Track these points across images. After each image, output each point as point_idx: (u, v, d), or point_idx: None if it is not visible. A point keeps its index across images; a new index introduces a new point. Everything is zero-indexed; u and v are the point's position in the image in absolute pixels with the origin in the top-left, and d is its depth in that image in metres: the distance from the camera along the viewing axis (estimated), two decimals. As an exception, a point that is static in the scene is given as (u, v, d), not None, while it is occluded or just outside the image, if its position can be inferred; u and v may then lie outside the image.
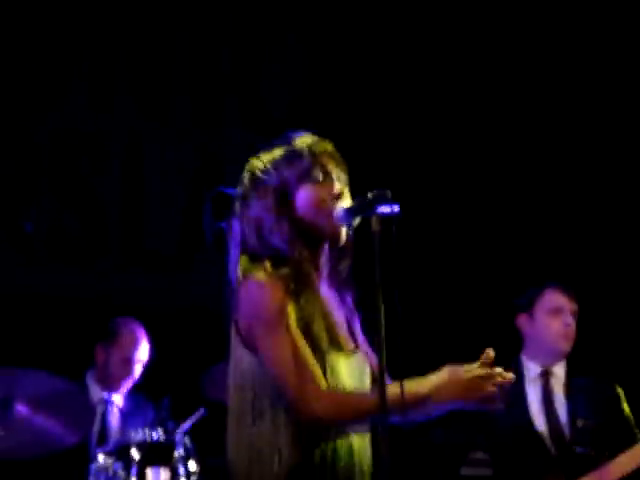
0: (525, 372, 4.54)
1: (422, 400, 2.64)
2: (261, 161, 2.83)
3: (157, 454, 4.42)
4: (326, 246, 2.82)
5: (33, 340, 5.51)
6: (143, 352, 5.09)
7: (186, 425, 4.44)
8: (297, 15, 6.48)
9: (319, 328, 2.70)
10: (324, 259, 2.83)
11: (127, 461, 4.39)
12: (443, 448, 4.53)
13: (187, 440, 4.45)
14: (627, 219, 6.10)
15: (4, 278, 5.78)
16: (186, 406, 4.72)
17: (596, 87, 6.21)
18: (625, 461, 4.28)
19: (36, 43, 5.98)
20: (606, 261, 6.08)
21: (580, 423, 4.45)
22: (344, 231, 2.80)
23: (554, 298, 4.56)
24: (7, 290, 5.72)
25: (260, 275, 2.68)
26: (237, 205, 2.82)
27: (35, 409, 4.44)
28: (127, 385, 5.07)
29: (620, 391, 4.57)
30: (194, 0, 6.35)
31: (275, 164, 2.80)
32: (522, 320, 4.57)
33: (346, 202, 2.80)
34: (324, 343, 2.70)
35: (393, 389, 2.58)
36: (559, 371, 4.56)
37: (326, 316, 2.75)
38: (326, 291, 2.82)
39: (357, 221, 2.78)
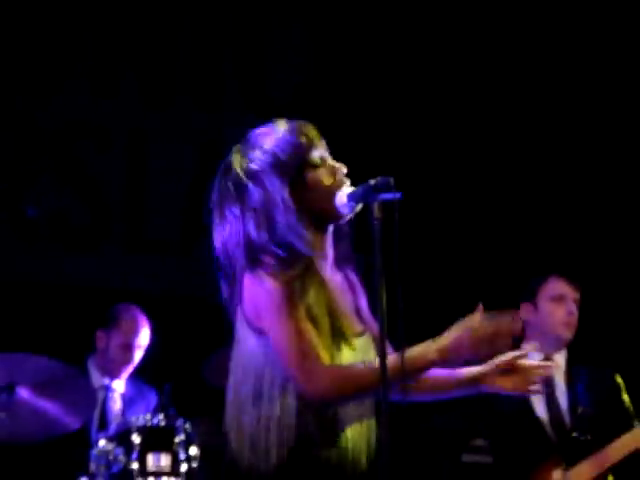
0: (526, 360, 4.55)
1: (425, 362, 2.66)
2: (250, 154, 2.79)
3: (158, 439, 4.44)
4: (330, 228, 2.83)
5: (35, 326, 5.52)
6: (144, 338, 5.10)
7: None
8: (301, 1, 6.47)
9: (323, 318, 2.71)
10: (329, 242, 2.83)
11: (128, 446, 4.41)
12: (444, 435, 4.54)
13: (188, 425, 4.47)
14: (627, 210, 6.10)
15: (6, 264, 5.79)
16: (187, 392, 4.74)
17: (600, 77, 6.20)
18: (621, 445, 4.34)
19: (40, 29, 5.98)
20: (607, 250, 6.08)
21: (580, 411, 4.48)
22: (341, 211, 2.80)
23: (558, 286, 4.58)
24: (9, 276, 5.73)
25: (265, 262, 2.69)
26: (230, 200, 2.77)
27: (37, 394, 4.46)
28: (127, 371, 5.08)
29: (620, 381, 4.59)
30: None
31: (270, 155, 2.78)
32: (525, 309, 4.59)
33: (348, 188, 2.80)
34: (327, 333, 2.71)
35: (394, 357, 2.61)
36: (560, 360, 4.58)
37: (331, 303, 2.75)
38: (331, 273, 2.83)
39: (359, 207, 2.78)
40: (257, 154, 2.78)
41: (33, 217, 4.96)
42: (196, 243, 5.96)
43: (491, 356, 2.70)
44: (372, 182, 2.69)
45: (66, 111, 6.04)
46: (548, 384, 4.52)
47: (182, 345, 5.54)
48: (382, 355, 2.57)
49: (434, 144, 6.24)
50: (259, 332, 2.71)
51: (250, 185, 2.75)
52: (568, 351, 4.59)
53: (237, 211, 2.75)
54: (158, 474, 4.40)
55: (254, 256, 2.71)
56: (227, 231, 2.76)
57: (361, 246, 2.85)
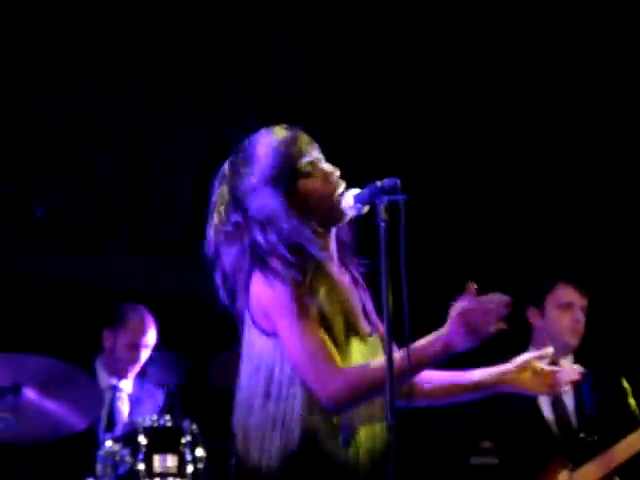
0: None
1: (431, 354, 2.64)
2: (242, 168, 2.80)
3: (164, 440, 4.44)
4: (334, 230, 2.83)
5: (42, 326, 5.52)
6: (151, 337, 5.09)
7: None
8: (305, 2, 6.46)
9: (336, 317, 2.72)
10: (334, 244, 2.84)
11: (134, 447, 4.41)
12: (451, 437, 4.54)
13: (194, 426, 4.47)
14: (633, 214, 6.09)
15: (12, 264, 5.79)
16: (193, 393, 4.74)
17: (606, 74, 6.20)
18: (627, 445, 4.35)
19: (45, 29, 5.98)
20: (612, 254, 6.07)
21: (586, 412, 4.48)
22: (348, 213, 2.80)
23: (566, 293, 4.59)
24: (15, 276, 5.73)
25: (273, 265, 2.69)
26: (230, 209, 2.79)
27: (43, 395, 4.46)
28: (134, 370, 5.08)
29: (627, 385, 4.60)
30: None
31: (261, 169, 2.78)
32: (532, 313, 4.60)
33: (354, 190, 2.80)
34: (340, 331, 2.71)
35: (401, 354, 2.61)
36: (566, 364, 4.58)
37: (343, 303, 2.76)
38: (339, 273, 2.83)
39: (366, 209, 2.78)
40: (248, 169, 2.80)
41: (40, 217, 4.96)
42: (201, 243, 5.96)
43: (490, 335, 2.68)
44: (379, 183, 2.70)
45: (70, 111, 6.04)
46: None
47: (187, 345, 5.54)
48: (389, 356, 2.57)
49: (439, 145, 6.24)
50: (267, 334, 2.71)
51: (247, 198, 2.78)
52: (575, 356, 4.60)
53: (239, 219, 2.78)
54: (164, 475, 4.40)
55: (261, 260, 2.71)
56: (231, 241, 2.78)
57: (367, 248, 2.85)
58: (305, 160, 2.81)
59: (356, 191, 2.78)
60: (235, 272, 2.76)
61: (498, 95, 6.27)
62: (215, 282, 2.81)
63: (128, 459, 4.40)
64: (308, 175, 2.80)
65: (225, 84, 6.35)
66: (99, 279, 5.92)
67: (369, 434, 2.74)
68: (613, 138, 6.19)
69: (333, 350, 2.67)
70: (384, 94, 6.27)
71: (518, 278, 4.91)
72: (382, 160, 5.64)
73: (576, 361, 4.59)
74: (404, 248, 2.60)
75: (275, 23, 6.42)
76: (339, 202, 2.78)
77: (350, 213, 2.79)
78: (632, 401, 4.57)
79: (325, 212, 2.79)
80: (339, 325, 2.71)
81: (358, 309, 2.82)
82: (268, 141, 2.82)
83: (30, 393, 4.45)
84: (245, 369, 2.76)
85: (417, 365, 2.63)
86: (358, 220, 2.82)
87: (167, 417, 4.49)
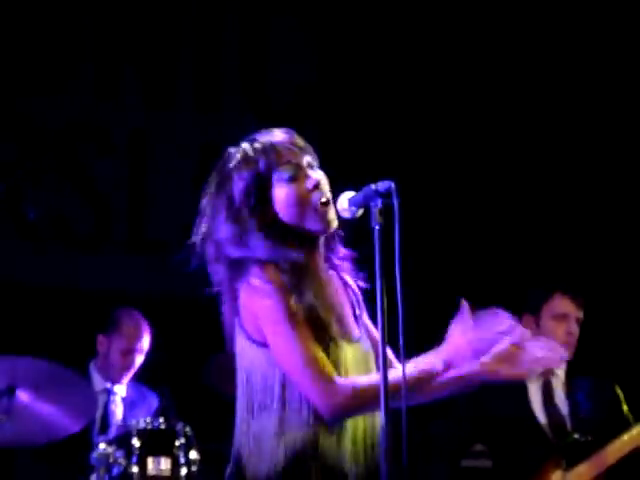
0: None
1: (433, 375, 2.65)
2: (221, 182, 2.79)
3: (158, 443, 4.42)
4: (322, 237, 2.80)
5: (37, 329, 5.51)
6: (145, 342, 5.08)
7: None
8: (303, 2, 6.46)
9: (327, 319, 2.70)
10: (322, 249, 2.81)
11: (128, 450, 4.40)
12: (443, 440, 4.54)
13: (188, 429, 4.46)
14: (629, 220, 6.09)
15: (7, 266, 5.78)
16: (187, 395, 4.72)
17: (605, 76, 6.19)
18: (620, 445, 4.37)
19: (42, 30, 5.98)
20: (607, 261, 6.07)
21: (582, 417, 4.49)
22: (334, 217, 2.76)
23: (562, 304, 4.60)
24: (10, 278, 5.71)
25: (261, 274, 2.67)
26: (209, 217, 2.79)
27: (38, 397, 4.45)
28: (128, 375, 5.07)
29: (620, 392, 4.62)
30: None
31: (238, 177, 2.76)
32: (527, 320, 4.60)
33: (347, 193, 2.77)
34: (332, 333, 2.70)
35: (409, 368, 2.60)
36: (559, 372, 4.62)
37: (333, 307, 2.74)
38: (328, 278, 2.81)
39: (360, 212, 2.76)
40: (222, 185, 2.78)
41: (34, 220, 4.95)
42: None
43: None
44: (373, 186, 2.67)
45: (67, 112, 6.04)
46: (548, 392, 4.54)
47: (183, 347, 5.53)
48: (384, 360, 2.55)
49: (437, 148, 6.23)
50: (259, 344, 2.69)
51: (219, 216, 2.75)
52: (568, 364, 4.60)
53: (215, 242, 2.76)
54: (158, 478, 4.39)
55: (245, 274, 2.68)
56: (212, 260, 2.77)
57: (361, 251, 2.83)
58: (282, 169, 2.74)
59: (350, 194, 2.76)
60: (222, 285, 2.74)
61: (497, 105, 6.26)
62: (210, 283, 2.80)
63: (122, 461, 4.39)
64: (283, 184, 2.73)
65: (221, 85, 6.34)
66: (95, 280, 5.91)
67: (365, 437, 2.73)
68: (609, 147, 6.18)
69: (325, 360, 2.64)
70: (381, 95, 6.25)
71: (513, 282, 4.91)
72: (379, 162, 5.63)
73: (568, 369, 4.60)
74: (399, 252, 2.58)
75: (271, 23, 6.42)
76: (324, 212, 2.73)
77: (344, 215, 2.76)
78: (625, 407, 4.59)
79: (305, 222, 2.74)
80: (329, 327, 2.69)
81: (347, 312, 2.80)
82: (243, 152, 2.78)
83: (24, 395, 4.45)
84: (241, 379, 2.73)
85: (422, 385, 2.64)
86: (352, 223, 2.81)
87: (161, 419, 4.48)
